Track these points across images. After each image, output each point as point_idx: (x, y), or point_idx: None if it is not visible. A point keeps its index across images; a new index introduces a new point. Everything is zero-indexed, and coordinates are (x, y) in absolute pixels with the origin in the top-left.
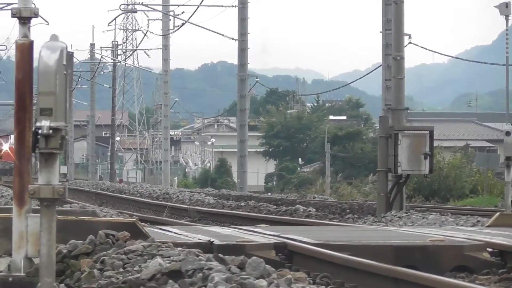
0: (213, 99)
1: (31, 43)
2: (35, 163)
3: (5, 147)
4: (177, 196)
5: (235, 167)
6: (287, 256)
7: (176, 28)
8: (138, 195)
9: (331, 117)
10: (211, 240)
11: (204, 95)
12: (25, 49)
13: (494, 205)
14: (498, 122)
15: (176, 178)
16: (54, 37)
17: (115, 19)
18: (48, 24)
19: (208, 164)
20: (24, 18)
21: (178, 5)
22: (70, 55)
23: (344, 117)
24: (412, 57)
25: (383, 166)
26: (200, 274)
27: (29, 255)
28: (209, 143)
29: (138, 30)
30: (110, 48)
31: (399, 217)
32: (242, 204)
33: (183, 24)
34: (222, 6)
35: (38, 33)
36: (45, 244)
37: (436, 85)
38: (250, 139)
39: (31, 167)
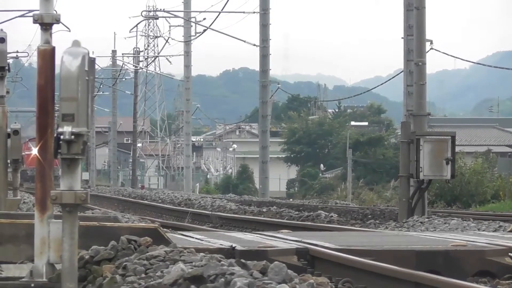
0: (234, 105)
1: (53, 49)
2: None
3: (35, 151)
4: (199, 202)
5: (257, 173)
6: (309, 262)
7: (197, 35)
8: (160, 201)
9: (352, 123)
10: (233, 246)
11: (226, 101)
12: (47, 55)
13: None
14: None
15: (198, 184)
16: (76, 43)
17: (136, 25)
18: (69, 31)
19: (230, 170)
20: (46, 24)
21: (200, 12)
22: (92, 61)
23: (366, 123)
24: (433, 63)
25: (405, 171)
26: (222, 279)
27: (51, 261)
28: (230, 149)
29: (160, 36)
30: (132, 55)
31: (421, 223)
32: (264, 210)
33: (204, 30)
34: (244, 12)
35: (60, 40)
36: (67, 249)
37: (457, 91)
38: (272, 145)
39: (53, 173)
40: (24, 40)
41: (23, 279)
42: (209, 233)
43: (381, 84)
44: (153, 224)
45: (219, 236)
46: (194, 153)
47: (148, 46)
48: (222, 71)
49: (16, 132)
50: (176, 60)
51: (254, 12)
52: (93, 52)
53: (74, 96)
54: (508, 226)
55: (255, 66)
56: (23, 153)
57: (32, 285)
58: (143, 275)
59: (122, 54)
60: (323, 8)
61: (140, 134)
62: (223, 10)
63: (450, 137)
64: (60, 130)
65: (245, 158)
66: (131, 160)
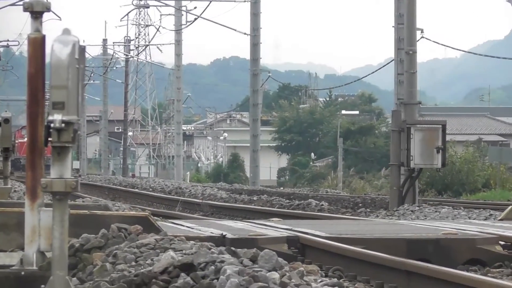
0: (225, 94)
1: (43, 37)
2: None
3: None
4: (190, 190)
5: (247, 162)
6: (299, 250)
7: (188, 23)
8: (151, 189)
9: (343, 111)
10: (224, 234)
11: (217, 90)
12: (38, 44)
13: (506, 199)
14: (510, 117)
15: (188, 173)
16: (66, 31)
17: (127, 14)
18: (60, 19)
19: (221, 159)
20: (36, 13)
21: (191, 0)
22: (82, 49)
23: (357, 112)
24: (424, 52)
25: (396, 160)
26: (213, 267)
27: (41, 249)
28: (221, 138)
29: (151, 25)
30: (123, 43)
31: (412, 211)
32: (255, 198)
33: (195, 19)
34: (235, 1)
35: (51, 28)
36: (58, 237)
37: (448, 80)
38: (263, 133)
39: (43, 161)
40: (15, 29)
41: (13, 267)
42: (199, 222)
43: (372, 73)
44: (143, 212)
45: (210, 225)
46: (185, 142)
47: (139, 34)
48: (213, 60)
49: (6, 120)
50: (167, 49)
51: (245, 1)
52: (83, 41)
53: (65, 84)
54: (499, 215)
55: (246, 55)
56: (17, 141)
57: (23, 273)
58: (133, 263)
59: (113, 42)
60: None
61: (131, 123)
62: None
63: (440, 125)
64: (50, 118)
65: (236, 146)
66: (122, 148)
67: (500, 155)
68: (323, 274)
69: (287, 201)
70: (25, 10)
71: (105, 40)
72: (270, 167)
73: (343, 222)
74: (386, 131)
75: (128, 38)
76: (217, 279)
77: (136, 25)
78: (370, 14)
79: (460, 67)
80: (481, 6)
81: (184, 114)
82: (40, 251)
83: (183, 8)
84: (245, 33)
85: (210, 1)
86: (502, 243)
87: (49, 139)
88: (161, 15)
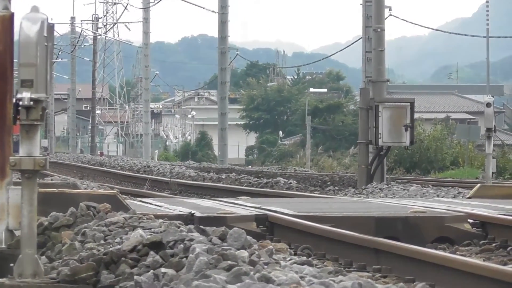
0: (193, 72)
1: (12, 15)
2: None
3: None
4: (158, 169)
5: (215, 140)
6: (268, 228)
7: (156, 1)
8: (119, 168)
9: (311, 89)
10: (192, 212)
11: (185, 68)
12: (6, 21)
13: (475, 177)
14: (478, 94)
15: (156, 151)
16: (34, 9)
17: None
18: None
19: (189, 137)
20: None
21: None
22: (50, 27)
23: (325, 90)
24: (392, 30)
25: (364, 138)
26: (181, 245)
27: (10, 227)
28: (189, 116)
29: (119, 3)
30: (91, 21)
31: (380, 189)
32: (223, 176)
33: None
34: None
35: (19, 6)
36: (26, 216)
37: (416, 58)
38: (231, 112)
39: (12, 139)
40: None
41: None
42: (168, 200)
43: (340, 50)
44: (112, 190)
45: (178, 203)
46: (153, 120)
47: (107, 12)
48: (181, 38)
49: None
50: (135, 26)
51: None
52: (51, 19)
53: (33, 62)
54: (467, 193)
55: (214, 33)
56: None
57: None
58: (102, 242)
59: (81, 20)
60: None
61: (99, 101)
62: None
63: (409, 103)
64: (19, 96)
65: (204, 125)
66: (90, 127)
67: (468, 133)
68: (292, 252)
69: (256, 179)
70: None
71: (73, 18)
72: (238, 145)
73: (312, 200)
74: (354, 109)
75: (96, 16)
76: (186, 257)
77: (104, 3)
78: None
79: (428, 44)
80: None
81: (152, 92)
82: (8, 230)
83: None
84: (213, 11)
85: None
86: (471, 221)
87: (18, 117)
88: None
